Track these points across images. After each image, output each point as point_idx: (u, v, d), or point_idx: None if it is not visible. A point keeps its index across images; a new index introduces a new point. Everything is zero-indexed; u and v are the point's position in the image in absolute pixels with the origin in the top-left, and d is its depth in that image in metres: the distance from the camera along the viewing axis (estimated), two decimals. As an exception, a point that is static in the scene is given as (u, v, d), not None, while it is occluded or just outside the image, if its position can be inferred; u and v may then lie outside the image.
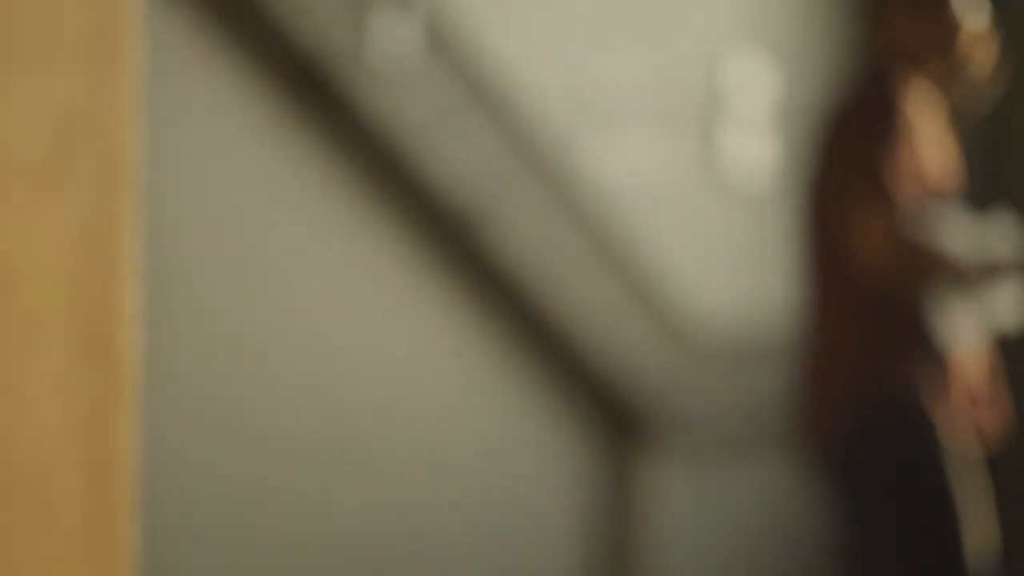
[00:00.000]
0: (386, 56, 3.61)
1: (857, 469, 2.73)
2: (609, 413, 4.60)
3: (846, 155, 2.72)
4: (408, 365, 4.01)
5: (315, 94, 3.66)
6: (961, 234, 2.70)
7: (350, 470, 3.88)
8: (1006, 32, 2.89)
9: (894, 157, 2.64)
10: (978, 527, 2.71)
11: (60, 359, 1.49)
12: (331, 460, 3.83)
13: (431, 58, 3.78)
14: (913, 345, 2.70)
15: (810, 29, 5.16)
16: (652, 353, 4.57)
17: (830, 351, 2.81)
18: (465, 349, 4.16)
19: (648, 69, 4.64)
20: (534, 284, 4.14)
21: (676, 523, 4.77)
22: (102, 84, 1.49)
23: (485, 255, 4.08)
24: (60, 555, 1.51)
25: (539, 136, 4.21)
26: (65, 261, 1.49)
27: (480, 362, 4.21)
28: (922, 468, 2.68)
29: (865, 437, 2.71)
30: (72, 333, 1.50)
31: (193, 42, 3.41)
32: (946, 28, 2.71)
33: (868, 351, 2.74)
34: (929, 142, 2.76)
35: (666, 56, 4.72)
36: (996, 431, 2.83)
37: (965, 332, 2.74)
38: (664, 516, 4.71)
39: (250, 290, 3.61)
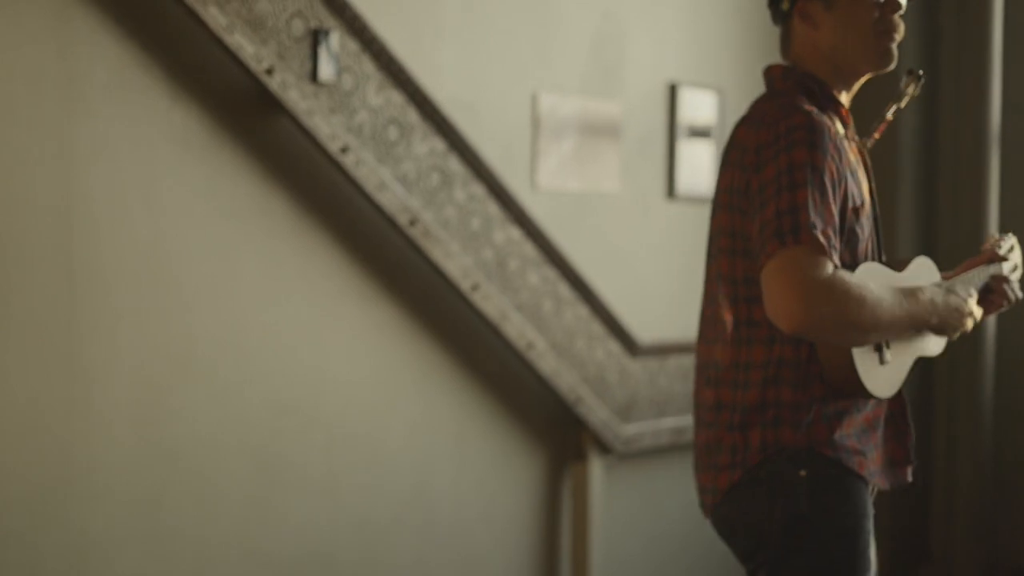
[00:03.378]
0: (327, 73, 3.67)
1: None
2: (556, 422, 4.66)
3: (758, 175, 2.29)
4: (350, 376, 4.04)
5: (254, 111, 3.72)
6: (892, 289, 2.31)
7: (293, 482, 3.91)
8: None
9: (818, 185, 2.24)
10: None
11: None
12: (275, 472, 3.86)
13: (367, 74, 3.84)
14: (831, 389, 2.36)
15: (746, 63, 5.27)
16: (598, 361, 4.63)
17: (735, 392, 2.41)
18: (410, 360, 4.21)
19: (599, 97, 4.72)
20: (475, 296, 4.17)
21: (619, 528, 4.82)
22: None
23: (429, 270, 4.13)
24: None
25: (490, 156, 4.28)
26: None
27: (424, 372, 4.25)
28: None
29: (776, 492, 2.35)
30: None
31: (128, 56, 3.46)
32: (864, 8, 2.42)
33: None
34: (851, 160, 2.40)
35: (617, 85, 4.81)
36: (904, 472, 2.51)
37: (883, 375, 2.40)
38: (607, 521, 4.78)
39: (187, 300, 3.64)
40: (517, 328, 4.30)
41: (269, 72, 3.57)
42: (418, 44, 4.14)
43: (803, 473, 2.32)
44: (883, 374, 2.38)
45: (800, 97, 2.40)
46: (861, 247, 2.38)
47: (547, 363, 4.42)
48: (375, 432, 4.11)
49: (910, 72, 2.60)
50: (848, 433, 2.35)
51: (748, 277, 2.33)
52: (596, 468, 4.71)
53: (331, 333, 3.97)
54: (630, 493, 4.90)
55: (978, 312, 2.51)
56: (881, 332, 2.30)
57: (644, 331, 4.85)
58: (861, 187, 2.42)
